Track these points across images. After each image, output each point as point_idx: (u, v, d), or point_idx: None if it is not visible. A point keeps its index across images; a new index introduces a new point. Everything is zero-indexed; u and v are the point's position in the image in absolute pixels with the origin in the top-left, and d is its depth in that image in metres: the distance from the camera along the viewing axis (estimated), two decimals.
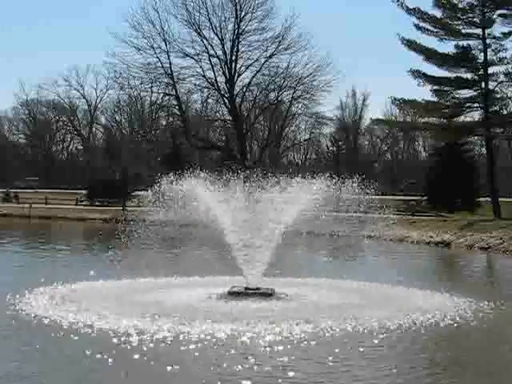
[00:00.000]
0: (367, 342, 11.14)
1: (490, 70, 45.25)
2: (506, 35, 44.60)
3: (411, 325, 12.37)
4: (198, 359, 10.03)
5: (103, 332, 11.44)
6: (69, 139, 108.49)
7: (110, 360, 9.80)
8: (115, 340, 10.88)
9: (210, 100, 74.72)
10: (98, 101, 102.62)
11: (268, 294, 15.07)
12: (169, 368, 9.50)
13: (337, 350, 10.55)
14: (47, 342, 11.02)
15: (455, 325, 12.63)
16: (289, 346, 10.72)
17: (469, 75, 46.02)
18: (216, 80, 63.04)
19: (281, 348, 10.59)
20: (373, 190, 17.51)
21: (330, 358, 10.13)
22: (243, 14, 61.79)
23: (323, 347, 10.77)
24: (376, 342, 11.20)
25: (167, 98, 70.64)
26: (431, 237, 34.45)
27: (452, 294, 15.73)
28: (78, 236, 42.31)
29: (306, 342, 10.96)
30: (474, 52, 45.30)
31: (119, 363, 9.76)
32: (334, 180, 16.37)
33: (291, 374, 9.40)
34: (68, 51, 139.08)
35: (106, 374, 9.45)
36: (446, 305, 14.55)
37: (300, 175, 16.53)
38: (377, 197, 18.64)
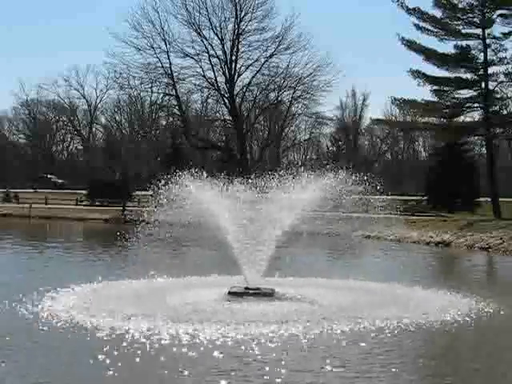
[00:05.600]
0: (367, 342, 11.18)
1: (490, 70, 45.29)
2: (506, 35, 44.60)
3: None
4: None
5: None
6: (69, 139, 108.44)
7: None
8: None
9: (210, 100, 74.77)
10: (97, 101, 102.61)
11: (268, 294, 15.08)
12: None
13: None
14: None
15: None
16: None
17: (469, 75, 46.04)
18: (216, 80, 63.05)
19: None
20: (376, 190, 17.51)
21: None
22: (243, 14, 61.79)
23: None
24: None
25: (167, 97, 70.68)
26: (431, 237, 34.45)
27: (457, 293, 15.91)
28: (80, 236, 42.28)
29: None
30: (473, 52, 45.31)
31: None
32: (337, 177, 16.37)
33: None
34: (68, 51, 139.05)
35: None
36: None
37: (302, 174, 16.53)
38: (377, 197, 18.63)
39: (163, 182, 16.86)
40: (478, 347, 11.58)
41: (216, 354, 10.29)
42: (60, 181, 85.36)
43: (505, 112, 46.64)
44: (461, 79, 45.95)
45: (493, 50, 44.94)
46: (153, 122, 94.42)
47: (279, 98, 67.49)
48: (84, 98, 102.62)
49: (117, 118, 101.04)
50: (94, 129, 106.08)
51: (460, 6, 45.05)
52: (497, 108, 46.61)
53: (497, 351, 11.37)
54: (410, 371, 9.91)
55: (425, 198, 55.34)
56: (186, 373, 9.46)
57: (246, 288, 15.35)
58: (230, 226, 16.24)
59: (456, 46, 45.32)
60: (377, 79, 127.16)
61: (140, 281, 17.53)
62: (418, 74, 45.69)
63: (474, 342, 12.03)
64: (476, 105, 46.87)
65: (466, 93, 46.27)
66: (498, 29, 45.06)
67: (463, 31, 45.68)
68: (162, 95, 72.21)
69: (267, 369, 9.63)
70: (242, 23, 61.96)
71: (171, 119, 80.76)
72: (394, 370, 9.76)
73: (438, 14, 45.60)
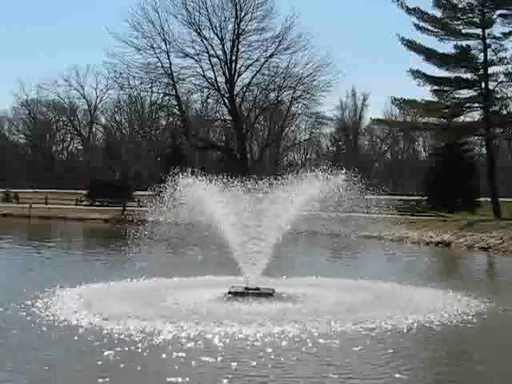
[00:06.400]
0: (367, 343, 11.17)
1: (490, 70, 45.30)
2: (506, 35, 44.61)
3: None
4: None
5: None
6: (69, 139, 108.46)
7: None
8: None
9: (210, 100, 74.76)
10: (98, 101, 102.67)
11: (268, 294, 15.07)
12: None
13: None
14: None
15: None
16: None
17: (469, 75, 46.06)
18: (216, 80, 63.03)
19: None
20: (374, 190, 17.53)
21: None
22: (243, 14, 61.77)
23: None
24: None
25: (167, 97, 70.60)
26: (431, 237, 34.46)
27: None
28: (80, 236, 42.24)
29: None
30: (473, 52, 45.32)
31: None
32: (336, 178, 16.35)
33: None
34: (68, 51, 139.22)
35: None
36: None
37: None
38: (377, 197, 18.63)
39: (163, 182, 16.86)
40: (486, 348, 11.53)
41: (214, 353, 10.28)
42: None
43: (505, 112, 46.65)
44: (461, 79, 45.96)
45: (493, 50, 44.97)
46: (153, 122, 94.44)
47: (279, 98, 67.50)
48: (84, 97, 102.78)
49: (117, 118, 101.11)
50: (94, 129, 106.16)
51: (460, 5, 45.07)
52: (497, 108, 46.61)
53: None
54: (412, 374, 9.86)
55: (425, 198, 55.36)
56: (183, 372, 9.47)
57: (246, 288, 15.34)
58: (230, 226, 16.25)
59: (456, 46, 45.33)
60: (377, 79, 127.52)
61: (139, 281, 17.51)
62: (418, 74, 45.70)
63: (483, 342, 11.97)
64: (476, 105, 46.87)
65: (465, 93, 46.33)
66: (498, 29, 45.17)
67: (463, 31, 45.69)
68: (162, 95, 72.17)
69: (265, 371, 9.61)
70: (242, 23, 61.98)
71: (171, 119, 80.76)
72: (393, 372, 9.74)
73: (438, 13, 45.68)
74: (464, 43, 45.35)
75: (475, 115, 48.57)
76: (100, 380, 9.03)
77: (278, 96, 66.63)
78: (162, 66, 62.49)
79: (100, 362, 9.75)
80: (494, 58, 45.07)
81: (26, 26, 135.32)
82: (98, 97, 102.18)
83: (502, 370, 10.09)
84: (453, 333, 12.19)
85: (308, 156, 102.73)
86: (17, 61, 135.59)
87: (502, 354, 11.08)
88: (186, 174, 16.84)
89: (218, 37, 62.15)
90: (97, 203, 60.52)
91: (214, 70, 62.68)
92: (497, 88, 45.66)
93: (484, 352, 11.11)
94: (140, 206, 43.17)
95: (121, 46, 62.30)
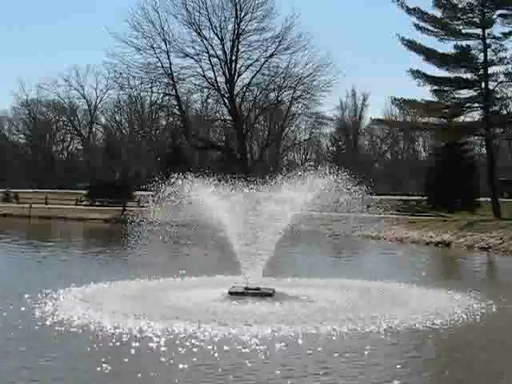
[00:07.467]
0: (367, 344, 11.16)
1: (490, 70, 45.25)
2: (506, 35, 44.57)
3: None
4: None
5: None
6: (69, 139, 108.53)
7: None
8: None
9: (210, 100, 74.73)
10: (98, 101, 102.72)
11: (268, 294, 15.05)
12: None
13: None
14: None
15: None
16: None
17: (469, 75, 46.02)
18: (216, 80, 62.98)
19: None
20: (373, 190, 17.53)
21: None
22: (243, 14, 61.70)
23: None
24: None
25: (167, 97, 70.53)
26: (431, 237, 34.43)
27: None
28: (79, 236, 42.24)
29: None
30: (473, 52, 45.28)
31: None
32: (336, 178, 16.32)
33: None
34: (68, 51, 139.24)
35: None
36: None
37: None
38: (377, 197, 18.62)
39: (163, 181, 16.85)
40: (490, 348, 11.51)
41: (212, 354, 10.27)
42: None
43: (505, 112, 46.61)
44: (461, 79, 45.94)
45: (493, 50, 44.94)
46: (153, 122, 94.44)
47: (279, 98, 67.40)
48: (84, 98, 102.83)
49: (117, 118, 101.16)
50: (94, 129, 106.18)
51: (460, 5, 45.03)
52: (497, 108, 46.58)
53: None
54: (412, 376, 9.85)
55: (425, 198, 55.36)
56: (181, 371, 9.45)
57: (246, 288, 15.31)
58: (230, 226, 16.24)
59: (456, 46, 45.30)
60: (377, 79, 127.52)
61: (140, 281, 17.50)
62: (418, 74, 45.67)
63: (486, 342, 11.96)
64: (476, 105, 46.83)
65: (465, 93, 46.29)
66: (498, 29, 45.11)
67: (463, 31, 45.66)
68: (162, 95, 72.10)
69: (265, 373, 9.58)
70: (242, 23, 61.91)
71: (171, 119, 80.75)
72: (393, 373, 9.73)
73: (438, 14, 45.63)
74: (464, 43, 45.36)
75: (475, 115, 48.58)
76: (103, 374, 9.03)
77: (278, 96, 66.57)
78: (162, 66, 62.46)
79: (98, 368, 9.70)
80: (494, 58, 45.06)
81: (26, 26, 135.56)
82: (98, 97, 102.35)
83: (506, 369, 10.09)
84: (456, 333, 12.17)
85: (308, 156, 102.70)
86: (17, 61, 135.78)
87: (507, 354, 11.07)
88: (185, 173, 16.84)
89: (218, 37, 62.13)
90: (97, 203, 60.52)
91: (214, 70, 62.66)
92: (497, 88, 45.65)
93: (489, 352, 11.10)
94: (140, 206, 43.18)
95: (121, 46, 62.20)
